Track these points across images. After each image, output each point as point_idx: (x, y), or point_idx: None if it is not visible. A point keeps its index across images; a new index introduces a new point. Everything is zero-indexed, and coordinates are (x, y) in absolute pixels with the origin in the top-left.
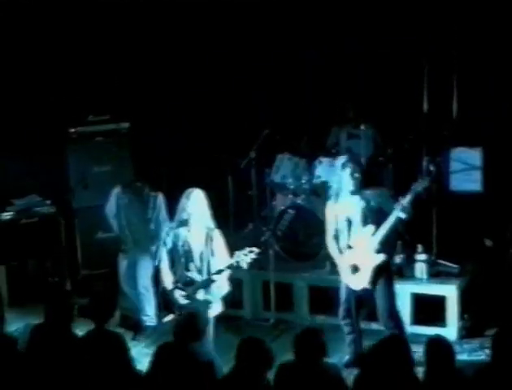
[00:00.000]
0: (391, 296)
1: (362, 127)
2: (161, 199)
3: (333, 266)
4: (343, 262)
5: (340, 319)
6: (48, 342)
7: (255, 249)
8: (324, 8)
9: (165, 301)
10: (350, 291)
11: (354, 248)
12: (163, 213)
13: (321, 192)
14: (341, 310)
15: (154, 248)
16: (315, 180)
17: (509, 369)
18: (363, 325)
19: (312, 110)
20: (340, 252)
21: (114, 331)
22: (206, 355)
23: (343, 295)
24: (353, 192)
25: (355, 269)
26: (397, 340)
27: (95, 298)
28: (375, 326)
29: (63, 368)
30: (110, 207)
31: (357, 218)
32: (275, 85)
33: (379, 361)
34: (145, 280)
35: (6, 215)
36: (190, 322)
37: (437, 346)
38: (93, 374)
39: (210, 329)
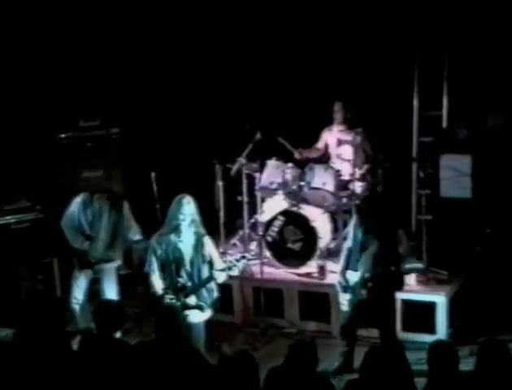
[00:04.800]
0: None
1: (355, 131)
2: (127, 207)
3: (322, 272)
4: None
5: (339, 333)
6: (39, 349)
7: (246, 255)
8: (316, 8)
9: (153, 308)
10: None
11: (359, 272)
12: (130, 221)
13: (311, 199)
14: (341, 326)
15: (119, 261)
16: (306, 186)
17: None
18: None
19: (302, 112)
20: (346, 267)
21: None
22: None
23: (341, 312)
24: None
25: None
26: (387, 348)
27: (101, 305)
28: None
29: (55, 375)
30: (73, 217)
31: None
32: (265, 88)
33: (372, 368)
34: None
35: None
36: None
37: (441, 351)
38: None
39: (201, 334)
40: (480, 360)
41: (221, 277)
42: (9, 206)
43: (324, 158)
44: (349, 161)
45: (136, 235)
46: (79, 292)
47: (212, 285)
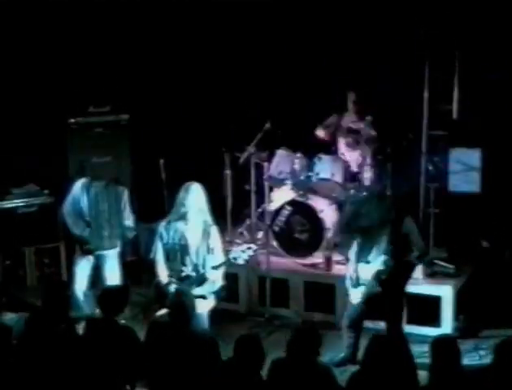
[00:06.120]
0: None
1: (368, 118)
2: (126, 194)
3: (328, 263)
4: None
5: (344, 325)
6: (44, 333)
7: (252, 246)
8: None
9: (158, 295)
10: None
11: (371, 264)
12: (126, 209)
13: (319, 189)
14: (345, 317)
15: (120, 246)
16: (314, 177)
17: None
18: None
19: (312, 104)
20: (357, 260)
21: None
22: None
23: (349, 305)
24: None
25: (358, 283)
26: (392, 339)
27: (107, 291)
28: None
29: (60, 359)
30: (73, 202)
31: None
32: (275, 77)
33: (374, 359)
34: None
35: (4, 204)
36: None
37: (444, 346)
38: (97, 366)
39: (205, 323)
40: (498, 358)
41: (213, 275)
42: (17, 190)
43: (333, 148)
44: (358, 151)
45: (129, 223)
46: (82, 278)
47: (216, 275)
